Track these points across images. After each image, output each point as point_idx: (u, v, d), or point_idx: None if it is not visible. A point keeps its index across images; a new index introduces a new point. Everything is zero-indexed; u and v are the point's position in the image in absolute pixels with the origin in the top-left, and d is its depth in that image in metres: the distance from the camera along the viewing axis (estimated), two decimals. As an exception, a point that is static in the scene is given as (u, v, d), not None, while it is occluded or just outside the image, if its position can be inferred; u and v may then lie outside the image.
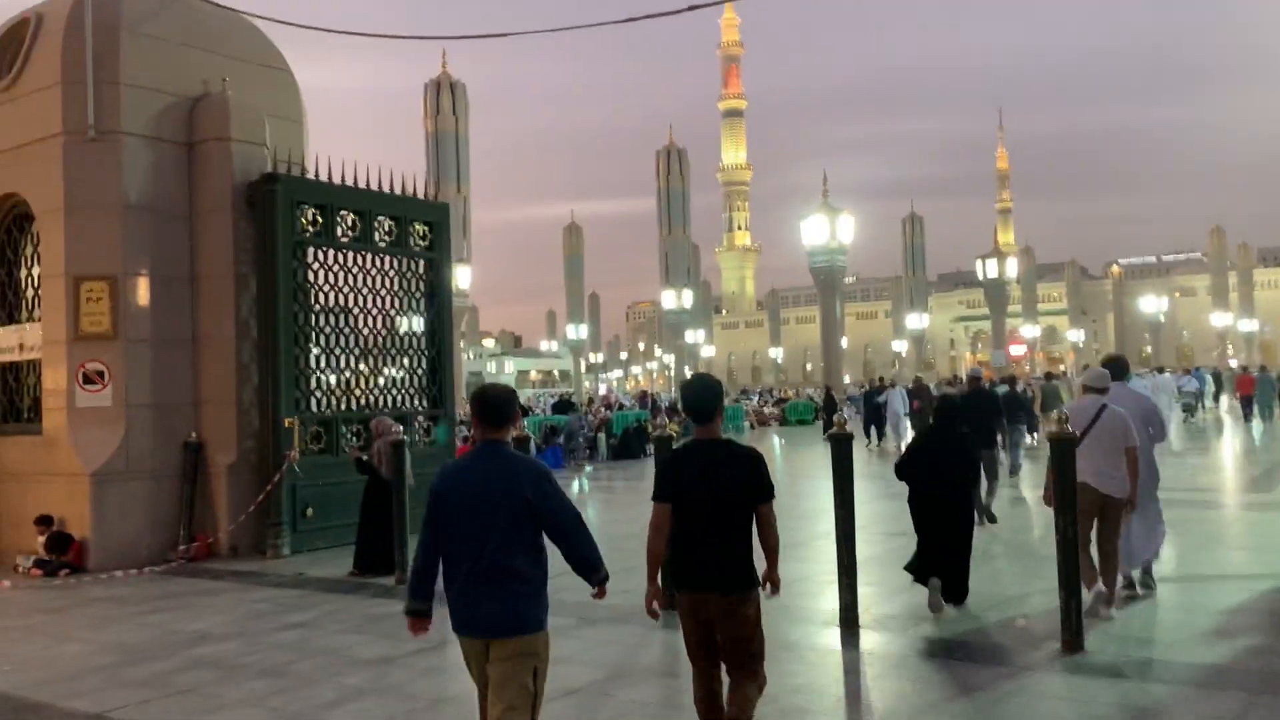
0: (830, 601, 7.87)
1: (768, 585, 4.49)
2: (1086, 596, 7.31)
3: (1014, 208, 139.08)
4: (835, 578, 7.35)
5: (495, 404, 4.07)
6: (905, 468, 7.93)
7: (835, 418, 7.46)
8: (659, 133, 68.60)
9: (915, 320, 78.39)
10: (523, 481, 3.93)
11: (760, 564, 4.46)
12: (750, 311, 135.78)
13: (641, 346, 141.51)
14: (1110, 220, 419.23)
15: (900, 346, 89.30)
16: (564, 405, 35.50)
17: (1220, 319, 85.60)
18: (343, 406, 12.70)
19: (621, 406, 37.15)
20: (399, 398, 13.43)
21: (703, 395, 4.54)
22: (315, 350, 12.34)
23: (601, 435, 26.35)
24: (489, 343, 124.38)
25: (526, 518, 3.92)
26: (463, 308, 54.18)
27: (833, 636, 7.12)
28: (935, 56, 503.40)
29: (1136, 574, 8.00)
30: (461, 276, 50.17)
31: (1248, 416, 30.87)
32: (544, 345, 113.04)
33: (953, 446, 7.95)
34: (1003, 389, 18.00)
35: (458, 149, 50.98)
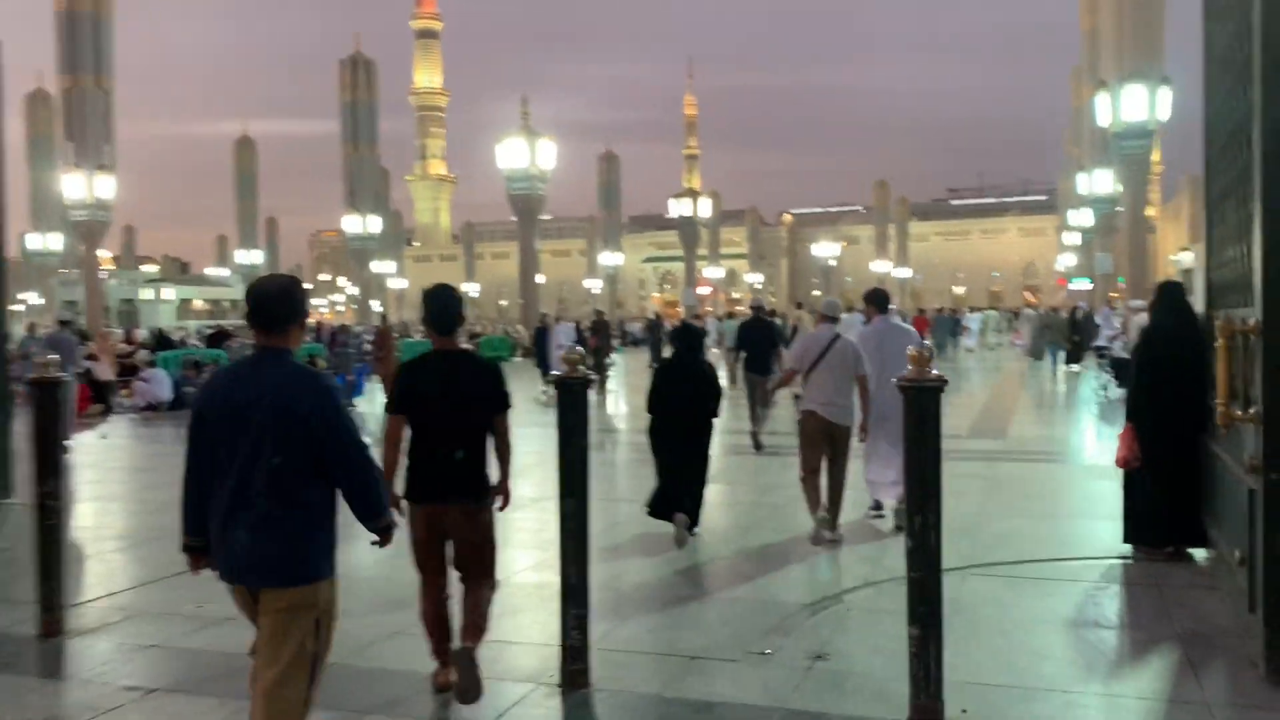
0: (539, 633, 5.26)
1: (499, 498, 4.53)
2: (813, 533, 7.33)
3: (700, 155, 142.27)
4: (540, 584, 4.78)
5: (265, 300, 3.28)
6: (651, 398, 7.67)
7: (565, 355, 4.73)
8: (346, 49, 62.59)
9: (610, 259, 78.01)
10: (300, 394, 3.19)
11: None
12: (445, 245, 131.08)
13: (327, 277, 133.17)
14: (785, 172, 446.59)
15: (594, 284, 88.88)
16: (221, 336, 30.76)
17: (881, 266, 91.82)
18: None
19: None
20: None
21: (447, 306, 4.49)
22: None
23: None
24: (150, 268, 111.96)
25: (304, 439, 3.19)
26: (104, 221, 46.83)
27: (551, 709, 4.44)
28: (628, 3, 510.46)
29: (891, 504, 7.87)
30: (103, 186, 43.12)
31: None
32: (213, 272, 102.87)
33: (696, 377, 7.61)
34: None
35: (98, 32, 43.36)
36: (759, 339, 13.23)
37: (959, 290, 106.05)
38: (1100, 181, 48.19)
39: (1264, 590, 4.28)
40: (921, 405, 3.97)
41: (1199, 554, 6.58)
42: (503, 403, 4.46)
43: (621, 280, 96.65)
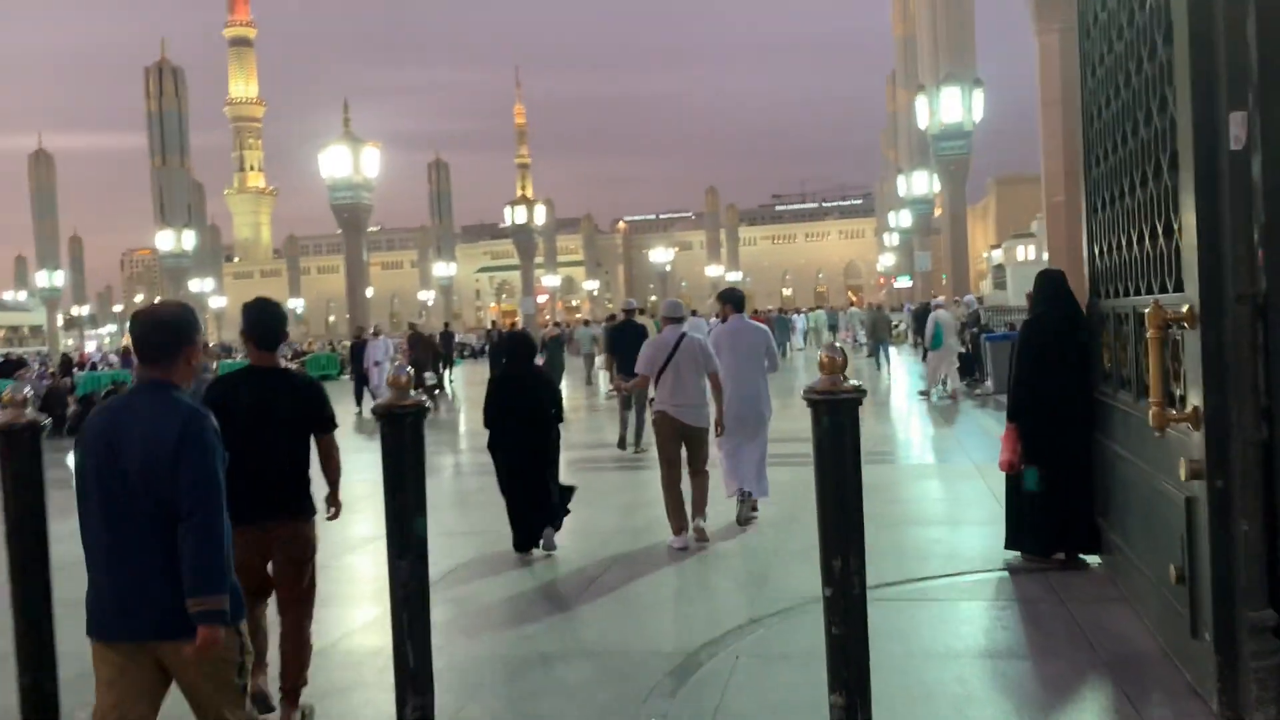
0: (374, 716, 4.30)
1: (331, 508, 4.50)
2: (674, 540, 7.27)
3: (532, 164, 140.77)
4: (376, 650, 4.33)
5: (144, 330, 3.06)
6: (487, 411, 7.46)
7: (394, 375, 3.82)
8: (152, 57, 58.68)
9: (443, 269, 76.27)
10: (168, 428, 2.91)
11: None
12: (267, 260, 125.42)
13: (140, 299, 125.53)
14: (617, 179, 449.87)
15: (428, 296, 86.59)
16: (13, 365, 27.96)
17: (713, 270, 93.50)
18: None
19: (94, 366, 30.12)
20: None
21: (268, 318, 4.30)
22: None
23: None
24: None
25: (174, 475, 2.90)
26: None
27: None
28: (452, 10, 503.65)
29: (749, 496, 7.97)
30: None
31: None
32: (10, 296, 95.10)
33: (532, 386, 7.44)
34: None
35: None
36: (632, 342, 12.97)
37: (787, 292, 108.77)
38: (918, 183, 49.92)
39: (1214, 613, 3.76)
40: (837, 422, 3.25)
41: (1091, 560, 6.18)
42: (325, 425, 4.35)
43: (456, 291, 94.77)
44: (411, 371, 3.78)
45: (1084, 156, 6.14)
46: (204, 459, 2.93)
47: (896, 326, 41.74)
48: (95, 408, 3.27)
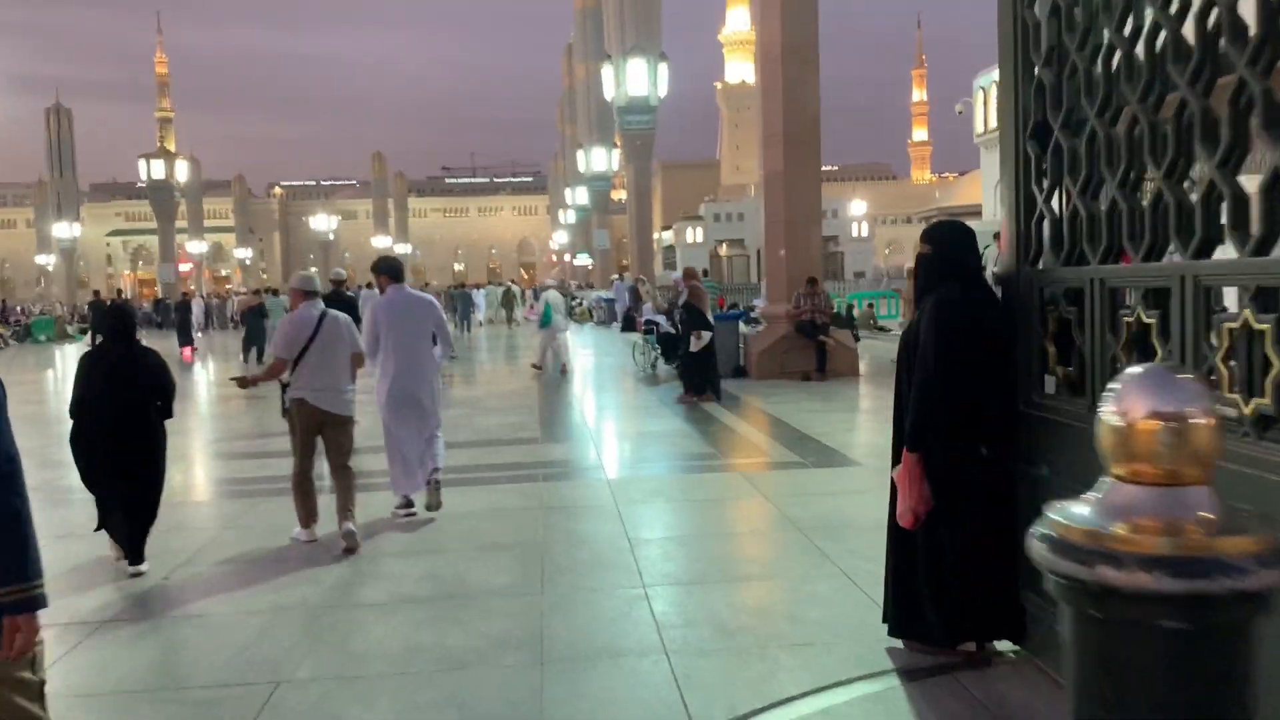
0: None
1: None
2: (300, 533, 6.61)
3: (176, 119, 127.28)
4: None
5: None
6: (75, 398, 6.14)
7: None
8: None
9: (65, 230, 66.90)
10: None
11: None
12: None
13: None
14: (271, 142, 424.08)
15: (47, 261, 75.82)
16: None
17: (381, 241, 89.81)
18: None
19: None
20: None
21: None
22: None
23: None
24: None
25: None
26: None
27: None
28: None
29: (419, 497, 7.30)
30: None
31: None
32: None
33: (132, 368, 6.17)
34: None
35: None
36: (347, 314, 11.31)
37: (459, 267, 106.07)
38: (597, 159, 49.21)
39: None
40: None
41: (1004, 646, 4.23)
42: None
43: (84, 256, 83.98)
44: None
45: (1014, 60, 4.11)
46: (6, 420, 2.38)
47: (579, 304, 40.64)
48: None
